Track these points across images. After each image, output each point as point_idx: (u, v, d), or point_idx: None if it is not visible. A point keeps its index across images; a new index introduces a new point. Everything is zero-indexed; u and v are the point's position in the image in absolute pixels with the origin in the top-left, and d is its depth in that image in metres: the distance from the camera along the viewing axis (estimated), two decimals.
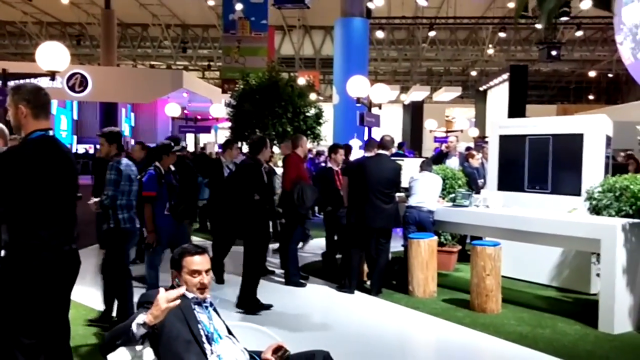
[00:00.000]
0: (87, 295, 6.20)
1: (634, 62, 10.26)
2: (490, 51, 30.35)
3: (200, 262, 2.76)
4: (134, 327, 2.39)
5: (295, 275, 6.97)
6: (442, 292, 6.57)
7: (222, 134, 28.78)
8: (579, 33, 25.50)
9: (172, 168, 5.93)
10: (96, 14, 25.66)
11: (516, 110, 18.74)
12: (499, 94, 21.89)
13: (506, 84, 20.22)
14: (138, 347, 2.49)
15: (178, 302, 2.45)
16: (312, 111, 11.69)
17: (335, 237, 7.66)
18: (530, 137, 7.17)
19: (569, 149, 6.79)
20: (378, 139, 7.16)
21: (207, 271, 2.77)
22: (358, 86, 8.72)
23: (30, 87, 3.14)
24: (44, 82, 6.70)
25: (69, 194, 3.17)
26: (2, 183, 2.93)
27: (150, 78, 21.65)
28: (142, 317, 2.41)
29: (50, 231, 3.00)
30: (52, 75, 6.93)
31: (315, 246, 9.30)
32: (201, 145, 22.85)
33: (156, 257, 5.73)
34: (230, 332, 2.84)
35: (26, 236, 2.93)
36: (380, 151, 6.62)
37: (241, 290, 5.85)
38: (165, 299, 2.40)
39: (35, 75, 6.64)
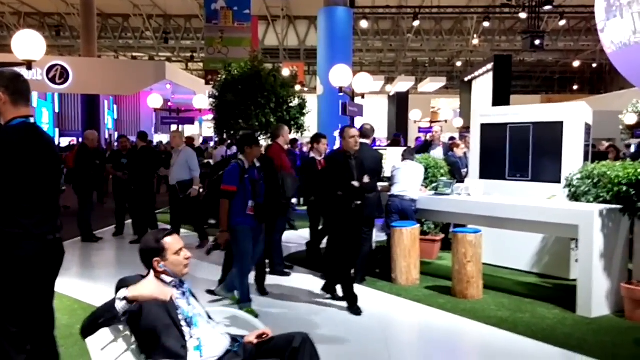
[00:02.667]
0: (71, 286, 6.19)
1: (615, 50, 10.36)
2: (475, 41, 30.46)
3: (178, 239, 2.81)
4: (116, 302, 2.43)
5: (280, 265, 7.00)
6: (425, 280, 6.64)
7: (207, 125, 28.68)
8: (563, 22, 25.68)
9: (257, 163, 5.47)
10: (75, 4, 25.23)
11: (500, 100, 18.81)
12: (483, 84, 21.96)
13: (491, 74, 20.29)
14: (120, 328, 2.53)
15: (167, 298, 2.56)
16: (296, 101, 11.66)
17: (320, 227, 7.69)
18: (511, 126, 7.23)
19: (549, 136, 6.86)
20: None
21: (182, 247, 2.82)
22: (340, 76, 8.71)
23: (9, 73, 3.09)
24: (23, 74, 6.61)
25: (51, 182, 3.13)
26: None
27: (133, 69, 21.41)
28: (123, 292, 2.46)
29: (33, 220, 2.96)
30: (28, 64, 6.84)
31: (299, 236, 9.33)
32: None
33: (247, 264, 5.37)
34: (210, 317, 2.87)
35: (8, 225, 2.90)
36: (361, 140, 6.63)
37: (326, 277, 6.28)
38: (161, 292, 2.55)
39: (11, 65, 6.53)
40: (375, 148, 7.83)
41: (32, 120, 3.10)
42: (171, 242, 2.77)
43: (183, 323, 2.63)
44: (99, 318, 2.45)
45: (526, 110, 7.29)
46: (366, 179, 5.61)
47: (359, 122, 8.35)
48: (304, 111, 11.82)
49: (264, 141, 10.37)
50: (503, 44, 32.03)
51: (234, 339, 2.85)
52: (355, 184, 5.46)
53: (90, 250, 8.58)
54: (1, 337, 2.92)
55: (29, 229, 2.94)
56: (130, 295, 2.46)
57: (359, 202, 5.55)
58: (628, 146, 15.82)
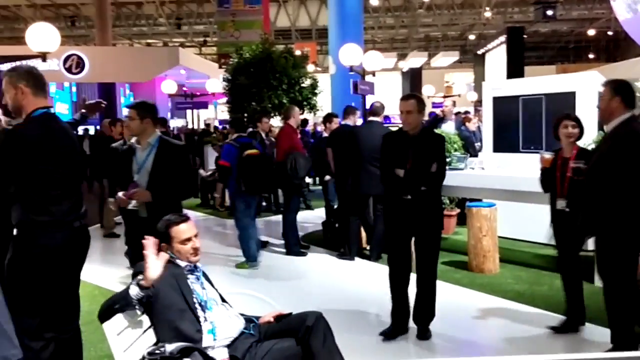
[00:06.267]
0: (92, 272, 6.31)
1: (629, 18, 10.15)
2: (488, 14, 29.96)
3: (187, 229, 2.85)
4: (131, 289, 2.50)
5: (296, 245, 7.07)
6: (441, 255, 6.46)
7: (221, 109, 28.72)
8: None
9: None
10: None
11: (514, 72, 18.50)
12: (497, 57, 21.64)
13: (504, 47, 19.98)
14: (137, 313, 2.60)
15: (165, 257, 2.65)
16: (308, 82, 11.66)
17: (335, 206, 7.73)
18: (523, 98, 7.17)
19: (561, 107, 6.76)
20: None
21: (195, 236, 2.86)
22: (351, 54, 8.68)
23: (26, 68, 3.20)
24: (39, 65, 6.69)
25: (75, 170, 3.23)
26: (10, 162, 2.97)
27: (147, 56, 21.47)
28: (138, 278, 2.53)
29: (62, 207, 3.06)
30: (43, 56, 6.92)
31: (315, 216, 9.39)
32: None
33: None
34: (224, 300, 2.93)
35: (37, 213, 2.98)
36: (372, 118, 6.64)
37: None
38: (153, 264, 2.58)
39: (26, 58, 6.62)
40: (386, 125, 7.83)
41: (51, 110, 3.21)
42: (180, 230, 2.82)
43: (197, 307, 2.70)
44: (114, 304, 2.52)
45: (538, 82, 7.22)
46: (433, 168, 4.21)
47: (370, 100, 8.33)
48: (316, 91, 11.82)
49: (279, 122, 10.42)
50: (516, 16, 31.45)
51: (249, 320, 2.91)
52: (400, 172, 4.17)
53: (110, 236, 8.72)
54: (22, 326, 3.01)
55: (59, 217, 3.03)
56: (144, 281, 2.52)
57: (408, 197, 4.17)
58: None
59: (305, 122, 13.47)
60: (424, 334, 4.29)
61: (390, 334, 4.32)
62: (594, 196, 3.72)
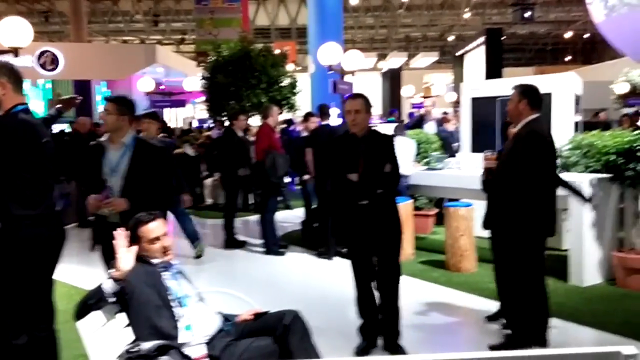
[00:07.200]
0: (68, 272, 6.22)
1: (604, 20, 10.33)
2: (467, 15, 30.23)
3: (156, 227, 2.82)
4: (103, 283, 2.48)
5: (274, 245, 7.06)
6: (419, 255, 6.70)
7: (199, 107, 28.54)
8: None
9: None
10: None
11: (493, 73, 18.69)
12: (475, 58, 21.85)
13: (482, 48, 20.17)
14: (112, 310, 2.58)
15: (135, 249, 2.65)
16: (287, 81, 11.62)
17: (314, 206, 7.73)
18: (500, 99, 7.23)
19: None
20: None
21: (165, 234, 2.83)
22: (330, 54, 8.69)
23: (5, 63, 3.22)
24: (11, 61, 6.55)
25: (51, 167, 3.22)
26: None
27: (124, 54, 21.21)
28: (109, 272, 2.51)
29: (47, 201, 3.08)
30: (15, 51, 6.79)
31: (294, 215, 9.37)
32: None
33: None
34: (201, 298, 2.90)
35: (25, 207, 2.98)
36: None
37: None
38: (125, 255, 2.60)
39: None
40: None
41: (29, 107, 3.21)
42: (148, 229, 2.79)
43: (174, 303, 2.68)
44: (88, 300, 2.49)
45: (515, 83, 7.27)
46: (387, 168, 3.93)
47: None
48: (295, 90, 11.79)
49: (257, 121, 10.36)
50: (494, 17, 31.78)
51: (227, 318, 2.90)
52: (353, 177, 3.86)
53: (86, 236, 8.58)
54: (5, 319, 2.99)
55: (41, 211, 3.04)
56: (116, 273, 2.51)
57: (364, 202, 3.86)
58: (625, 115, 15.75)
59: (290, 122, 13.43)
60: (394, 350, 3.98)
61: (364, 349, 4.05)
62: (496, 192, 4.00)
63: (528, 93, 3.98)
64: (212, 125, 15.37)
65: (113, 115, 3.64)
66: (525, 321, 3.92)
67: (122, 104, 3.72)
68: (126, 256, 2.58)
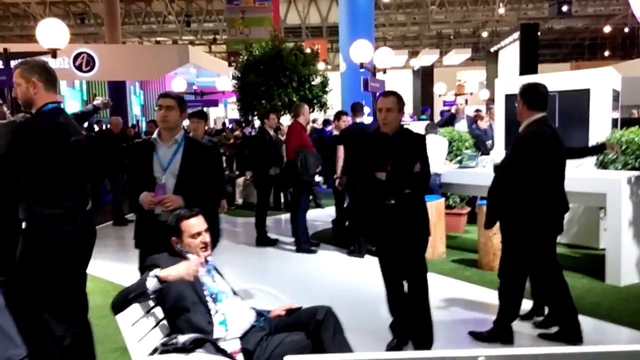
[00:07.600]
0: (104, 268, 6.36)
1: None
2: (501, 10, 29.75)
3: (197, 223, 2.87)
4: (147, 280, 2.53)
5: (306, 243, 7.07)
6: (451, 253, 6.64)
7: (231, 107, 28.78)
8: None
9: None
10: None
11: (528, 70, 18.36)
12: (510, 55, 21.50)
13: (517, 44, 19.85)
14: (149, 304, 2.64)
15: (198, 273, 2.68)
16: (318, 80, 11.63)
17: (345, 204, 7.72)
18: None
19: (575, 105, 6.72)
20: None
21: (205, 230, 2.88)
22: (361, 51, 8.64)
23: (39, 62, 3.23)
24: (49, 62, 6.68)
25: (84, 165, 3.25)
26: (20, 155, 2.99)
27: (157, 54, 21.52)
28: (155, 271, 2.56)
29: (71, 201, 3.09)
30: (53, 52, 6.94)
31: (325, 214, 9.39)
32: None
33: None
34: (235, 293, 2.94)
35: (47, 206, 3.00)
36: None
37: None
38: (187, 273, 2.63)
39: (37, 54, 6.63)
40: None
41: (62, 106, 3.22)
42: (190, 224, 2.85)
43: (209, 299, 2.72)
44: (129, 294, 2.55)
45: (552, 79, 7.14)
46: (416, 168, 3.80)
47: None
48: (326, 89, 11.79)
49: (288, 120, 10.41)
50: (530, 12, 31.19)
51: (260, 313, 2.92)
52: (381, 176, 3.78)
53: (122, 233, 8.78)
54: (38, 321, 3.03)
55: (69, 210, 3.06)
56: (162, 275, 2.55)
57: (392, 202, 3.78)
58: None
59: (327, 122, 13.42)
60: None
61: (396, 346, 4.05)
62: (497, 191, 4.01)
63: (524, 93, 3.91)
64: (243, 124, 15.51)
65: (176, 111, 3.52)
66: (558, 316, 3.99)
67: (182, 101, 3.62)
68: (182, 271, 2.63)
